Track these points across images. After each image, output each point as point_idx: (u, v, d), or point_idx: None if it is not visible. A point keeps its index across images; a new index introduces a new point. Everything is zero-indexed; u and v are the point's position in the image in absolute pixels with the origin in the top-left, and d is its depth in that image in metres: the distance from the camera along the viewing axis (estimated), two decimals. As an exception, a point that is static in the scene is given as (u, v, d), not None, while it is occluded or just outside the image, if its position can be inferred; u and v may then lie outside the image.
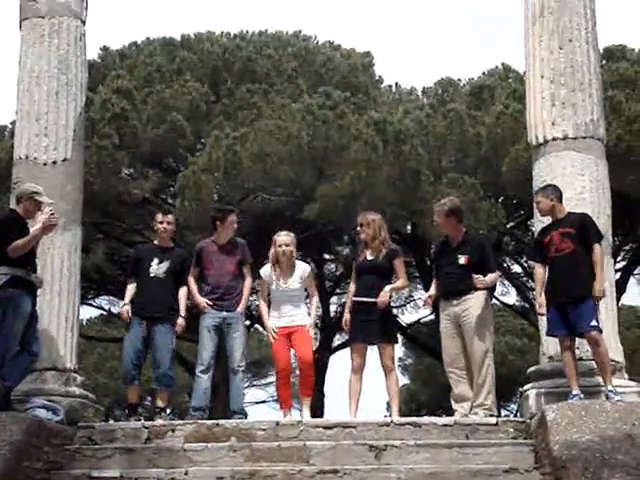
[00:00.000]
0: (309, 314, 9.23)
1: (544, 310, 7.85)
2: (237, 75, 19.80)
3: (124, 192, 17.84)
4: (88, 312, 29.38)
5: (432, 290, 8.92)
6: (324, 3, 66.30)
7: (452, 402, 8.66)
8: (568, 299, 7.68)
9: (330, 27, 59.29)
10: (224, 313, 9.10)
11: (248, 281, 9.31)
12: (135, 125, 18.43)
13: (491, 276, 8.67)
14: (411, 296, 24.04)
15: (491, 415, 8.25)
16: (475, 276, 8.46)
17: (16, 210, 7.95)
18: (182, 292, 9.19)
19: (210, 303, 9.12)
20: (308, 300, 9.51)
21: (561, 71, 8.24)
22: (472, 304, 8.51)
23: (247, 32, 21.76)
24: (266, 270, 9.09)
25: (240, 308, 9.16)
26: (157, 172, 18.91)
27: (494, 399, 8.53)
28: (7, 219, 7.93)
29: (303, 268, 9.12)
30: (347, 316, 8.99)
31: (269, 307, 9.20)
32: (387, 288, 8.84)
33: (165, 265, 9.10)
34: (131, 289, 9.23)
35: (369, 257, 8.96)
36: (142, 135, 18.43)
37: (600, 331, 7.63)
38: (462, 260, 8.59)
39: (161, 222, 9.29)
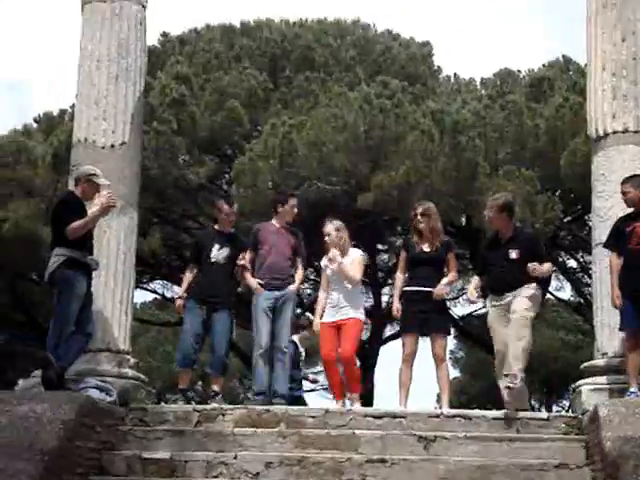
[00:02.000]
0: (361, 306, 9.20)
1: (620, 302, 7.67)
2: (295, 63, 19.80)
3: (181, 178, 17.95)
4: (142, 296, 29.70)
5: (474, 283, 8.87)
6: (383, -9, 65.93)
7: (503, 394, 8.53)
8: None
9: (389, 16, 58.90)
10: (277, 292, 9.10)
11: (300, 272, 9.32)
12: (193, 111, 18.52)
13: (546, 265, 8.56)
14: (464, 289, 23.85)
15: (511, 386, 7.93)
16: (530, 264, 8.33)
17: (74, 192, 8.05)
18: None
19: (262, 283, 9.13)
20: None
21: (623, 64, 8.13)
22: (523, 291, 8.37)
23: (306, 20, 21.72)
24: (324, 259, 9.13)
25: (293, 287, 9.15)
26: (214, 158, 19.01)
27: (523, 375, 8.13)
28: (66, 200, 8.04)
29: (354, 256, 9.11)
30: (397, 305, 8.96)
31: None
32: (444, 281, 8.81)
33: (226, 251, 9.15)
34: (189, 277, 9.29)
35: (425, 249, 8.94)
36: (200, 121, 18.52)
37: None
38: (514, 254, 8.50)
39: (227, 214, 9.32)
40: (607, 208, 8.10)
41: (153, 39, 21.17)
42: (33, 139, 19.67)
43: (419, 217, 8.96)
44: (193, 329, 9.06)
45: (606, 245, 7.91)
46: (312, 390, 30.34)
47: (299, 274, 9.32)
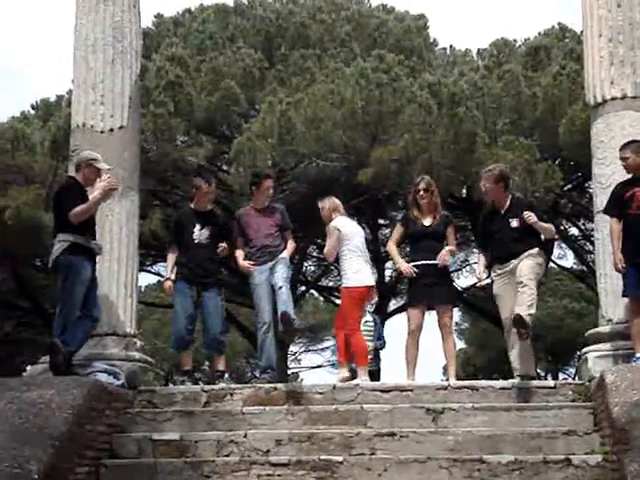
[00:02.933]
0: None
1: (623, 266, 7.64)
2: (290, 41, 19.74)
3: (179, 159, 17.95)
4: (146, 279, 29.75)
5: (482, 263, 8.85)
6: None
7: (512, 362, 8.56)
8: None
9: (383, -10, 58.60)
10: (269, 263, 9.09)
11: (290, 245, 9.32)
12: (189, 93, 18.49)
13: (548, 224, 8.60)
14: (467, 260, 23.93)
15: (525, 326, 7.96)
16: (526, 212, 8.36)
17: (75, 177, 8.05)
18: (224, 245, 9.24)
19: (253, 263, 9.13)
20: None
21: (619, 29, 8.08)
22: (527, 257, 8.38)
23: (300, -3, 21.67)
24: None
25: (284, 254, 9.13)
26: (212, 139, 18.99)
27: (532, 317, 8.11)
28: (67, 186, 8.04)
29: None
30: (405, 264, 8.95)
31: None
32: (446, 249, 8.87)
33: (207, 231, 9.15)
34: (172, 258, 9.29)
35: (426, 223, 8.96)
36: (196, 102, 18.49)
37: None
38: (514, 223, 8.53)
39: (205, 192, 9.29)
40: (608, 175, 8.07)
41: (147, 21, 21.16)
42: (31, 125, 19.67)
43: (422, 192, 8.96)
44: (185, 311, 9.06)
45: (606, 211, 7.90)
46: (319, 366, 30.58)
47: (289, 246, 9.29)
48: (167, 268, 9.41)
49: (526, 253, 8.42)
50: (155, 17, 21.40)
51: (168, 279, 9.32)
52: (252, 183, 9.49)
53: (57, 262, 7.76)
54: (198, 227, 9.17)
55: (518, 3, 65.82)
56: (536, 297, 8.27)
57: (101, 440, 7.18)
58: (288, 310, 8.64)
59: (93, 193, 7.82)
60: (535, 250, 8.46)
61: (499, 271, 8.58)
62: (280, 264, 9.09)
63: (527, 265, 8.32)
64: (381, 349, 12.14)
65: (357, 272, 9.09)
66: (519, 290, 8.20)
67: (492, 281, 8.71)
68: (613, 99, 8.09)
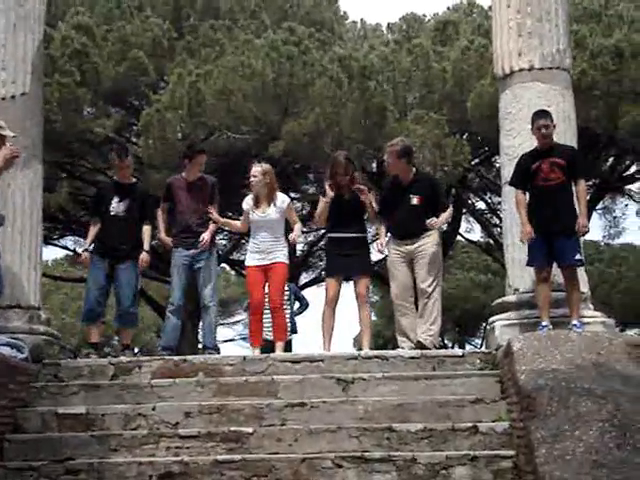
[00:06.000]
0: (290, 244, 9.21)
1: (532, 236, 7.71)
2: (200, 11, 19.47)
3: (86, 130, 17.58)
4: (54, 252, 29.20)
5: (382, 235, 8.95)
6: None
7: (397, 336, 8.77)
8: (558, 230, 7.65)
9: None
10: (192, 251, 9.03)
11: (212, 227, 9.19)
12: (96, 62, 18.07)
13: (443, 215, 8.82)
14: (378, 234, 24.01)
15: (434, 345, 8.44)
16: (428, 221, 8.56)
17: (-24, 144, 7.76)
18: (146, 229, 9.10)
19: (174, 241, 9.07)
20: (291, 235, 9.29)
21: (527, 1, 8.14)
22: (426, 241, 8.68)
23: (210, -33, 21.33)
24: (247, 200, 9.09)
25: (206, 236, 9.02)
26: (120, 110, 18.67)
27: (439, 330, 8.68)
28: None
29: (282, 199, 9.05)
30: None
31: (249, 239, 9.23)
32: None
33: (125, 203, 9.00)
34: (93, 230, 9.14)
35: (346, 197, 8.92)
36: (104, 72, 18.08)
37: (582, 264, 7.69)
38: (415, 200, 8.65)
39: (120, 166, 9.16)
40: (515, 146, 8.13)
41: (53, -12, 20.59)
42: None
43: (343, 169, 8.90)
44: (96, 283, 8.94)
45: (512, 183, 7.98)
46: (231, 340, 30.49)
47: (211, 227, 9.17)
48: (87, 239, 9.22)
49: (424, 235, 8.63)
50: (61, -16, 20.79)
51: (85, 250, 9.17)
52: (185, 155, 9.37)
53: (-44, 233, 7.51)
54: (116, 199, 9.02)
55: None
56: (440, 309, 8.61)
57: (3, 414, 7.00)
58: (208, 343, 9.08)
59: (-6, 161, 7.55)
60: (434, 232, 8.66)
61: (395, 247, 8.74)
62: (206, 262, 9.04)
63: (428, 265, 8.58)
64: (304, 310, 12.12)
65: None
66: (423, 303, 8.57)
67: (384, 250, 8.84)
68: (521, 70, 8.15)
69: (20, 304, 8.19)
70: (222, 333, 32.02)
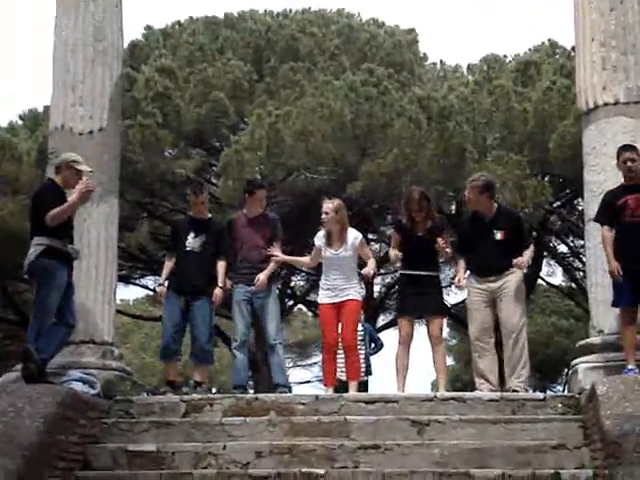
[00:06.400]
0: (364, 279, 9.00)
1: (620, 273, 7.40)
2: (280, 53, 19.63)
3: (168, 171, 17.78)
4: (135, 292, 29.49)
5: (461, 270, 8.69)
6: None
7: (475, 378, 8.46)
8: None
9: (373, 4, 58.63)
10: (252, 287, 8.94)
11: (272, 266, 9.07)
12: (178, 104, 18.38)
13: (527, 253, 8.57)
14: (456, 271, 23.69)
15: (526, 390, 8.13)
16: (515, 261, 8.33)
17: (54, 180, 7.81)
18: (221, 264, 9.00)
19: (236, 278, 9.03)
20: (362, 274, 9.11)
21: (612, 33, 7.91)
22: (510, 279, 8.41)
23: (290, 10, 21.63)
24: (319, 235, 8.94)
25: (262, 276, 8.90)
26: (200, 151, 18.87)
27: (529, 374, 8.38)
28: (46, 188, 7.79)
29: (354, 235, 8.87)
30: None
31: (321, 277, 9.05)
32: (441, 242, 8.60)
33: (202, 238, 8.95)
34: (168, 266, 9.11)
35: (419, 233, 8.75)
36: (185, 114, 18.38)
37: None
38: (499, 236, 8.41)
39: (194, 202, 9.14)
40: (600, 182, 7.88)
41: (137, 33, 21.10)
42: (18, 135, 19.48)
43: (417, 205, 8.71)
44: (171, 319, 8.87)
45: (597, 219, 7.71)
46: (307, 382, 30.30)
47: (270, 266, 9.02)
48: (162, 275, 9.19)
49: (508, 272, 8.37)
50: (145, 29, 21.29)
51: (161, 285, 9.14)
52: (245, 191, 9.36)
53: (32, 266, 7.50)
54: (192, 235, 8.97)
55: (508, 19, 65.90)
56: (527, 351, 8.33)
57: (74, 451, 6.92)
58: (280, 381, 8.84)
59: (71, 196, 7.57)
60: (515, 270, 8.41)
61: (476, 284, 8.49)
62: (267, 299, 8.95)
63: (514, 303, 8.31)
64: (379, 350, 11.89)
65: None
66: (510, 345, 8.28)
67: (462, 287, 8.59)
68: (605, 105, 7.91)
69: (94, 339, 8.16)
70: (298, 375, 31.90)
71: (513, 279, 8.40)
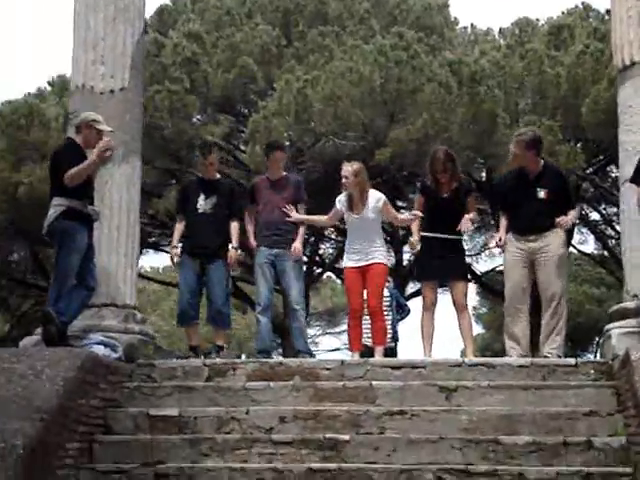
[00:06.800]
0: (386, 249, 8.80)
1: None
2: (308, 18, 19.39)
3: (195, 137, 17.60)
4: (165, 259, 29.40)
5: (503, 229, 8.39)
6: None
7: (506, 341, 8.21)
8: None
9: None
10: (275, 250, 8.79)
11: (301, 233, 8.97)
12: (206, 70, 18.26)
13: (572, 213, 8.26)
14: (486, 245, 23.46)
15: (558, 356, 7.88)
16: (558, 219, 8.03)
17: (74, 139, 7.66)
18: (234, 225, 8.86)
19: (258, 241, 8.91)
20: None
21: (650, -14, 7.61)
22: (552, 241, 8.10)
23: (319, -26, 21.23)
24: (341, 198, 8.72)
25: (297, 244, 8.80)
26: (228, 117, 18.68)
27: (563, 341, 8.13)
28: (65, 148, 7.65)
29: (377, 197, 8.65)
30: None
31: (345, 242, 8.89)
32: (468, 216, 8.43)
33: (212, 199, 8.78)
34: (179, 229, 8.95)
35: (444, 194, 8.55)
36: (213, 80, 18.26)
37: None
38: (542, 194, 8.10)
39: (203, 164, 9.05)
40: (636, 142, 7.57)
41: (164, -3, 20.88)
42: (46, 101, 19.39)
43: (442, 165, 8.49)
44: (187, 284, 8.73)
45: (633, 180, 7.44)
46: (336, 349, 30.23)
47: (300, 232, 8.92)
48: (174, 237, 9.03)
49: (550, 233, 8.08)
50: (172, -7, 21.04)
51: (174, 248, 8.97)
52: (265, 153, 9.31)
53: (52, 227, 7.36)
54: (203, 197, 8.80)
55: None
56: (566, 318, 8.12)
57: (95, 415, 6.81)
58: (300, 347, 8.71)
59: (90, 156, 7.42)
60: (560, 231, 8.14)
61: (516, 242, 8.18)
62: (289, 263, 8.78)
63: (556, 268, 8.02)
64: (406, 316, 11.69)
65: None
66: (549, 313, 8.03)
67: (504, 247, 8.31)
68: (643, 61, 7.62)
69: (116, 302, 8.01)
70: (328, 342, 31.87)
71: (555, 241, 8.10)
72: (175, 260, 8.94)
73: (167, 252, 22.98)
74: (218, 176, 9.13)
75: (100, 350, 7.39)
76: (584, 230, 21.78)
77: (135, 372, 7.56)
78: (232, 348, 24.78)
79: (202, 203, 8.78)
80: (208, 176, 8.99)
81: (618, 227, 19.05)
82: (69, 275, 7.31)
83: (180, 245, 8.89)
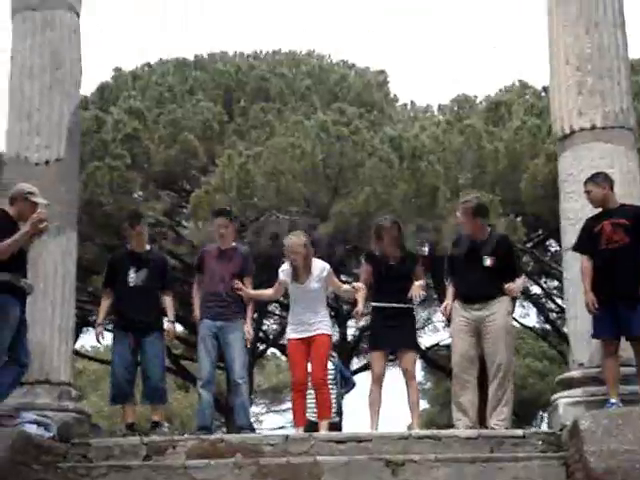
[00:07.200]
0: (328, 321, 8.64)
1: (595, 306, 7.16)
2: (250, 94, 19.44)
3: (137, 213, 17.39)
4: (107, 338, 28.84)
5: (450, 297, 8.31)
6: (337, 23, 66.36)
7: (454, 412, 8.08)
8: (623, 297, 7.07)
9: (344, 46, 59.01)
10: (218, 322, 8.58)
11: (250, 311, 8.81)
12: (147, 145, 18.14)
13: (519, 281, 8.21)
14: (429, 319, 23.43)
15: (506, 428, 7.72)
16: (507, 285, 7.98)
17: (7, 211, 7.43)
18: (168, 300, 8.70)
19: (202, 312, 8.69)
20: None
21: (588, 57, 7.68)
22: (498, 309, 8.02)
23: (260, 52, 21.56)
24: (284, 268, 8.56)
25: (248, 327, 8.64)
26: (170, 193, 18.55)
27: (510, 413, 8.01)
28: None
29: (321, 267, 8.51)
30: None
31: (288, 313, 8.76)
32: (417, 283, 8.35)
33: (144, 272, 8.58)
34: (105, 305, 8.76)
35: (391, 262, 8.46)
36: (154, 156, 18.14)
37: None
38: (488, 262, 8.04)
39: (131, 235, 8.84)
40: (577, 210, 7.60)
41: (106, 75, 20.90)
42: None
43: (389, 232, 8.44)
44: (122, 360, 8.48)
45: (576, 248, 7.43)
46: (281, 427, 29.75)
47: (249, 310, 8.75)
48: (100, 314, 8.78)
49: (496, 301, 8.01)
50: (114, 71, 21.04)
51: (100, 325, 8.71)
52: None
53: (-18, 301, 7.10)
54: (133, 269, 8.59)
55: (478, 60, 66.42)
56: (512, 389, 8.03)
57: (26, 497, 6.49)
58: (243, 423, 8.44)
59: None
60: (506, 299, 8.08)
61: (462, 311, 8.10)
62: (234, 335, 8.57)
63: (501, 338, 7.94)
64: (351, 390, 11.47)
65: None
66: (496, 383, 7.92)
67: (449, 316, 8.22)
68: (582, 130, 7.65)
69: (49, 379, 7.70)
70: (272, 420, 31.35)
71: (500, 310, 8.01)
72: (100, 339, 8.70)
73: (111, 330, 22.78)
74: (148, 247, 8.93)
75: (33, 429, 7.08)
76: (525, 304, 21.88)
77: (70, 452, 7.26)
78: (175, 427, 24.24)
79: (133, 276, 8.57)
80: (138, 248, 8.78)
81: (559, 300, 19.18)
82: (1, 351, 7.02)
83: (111, 320, 8.64)
